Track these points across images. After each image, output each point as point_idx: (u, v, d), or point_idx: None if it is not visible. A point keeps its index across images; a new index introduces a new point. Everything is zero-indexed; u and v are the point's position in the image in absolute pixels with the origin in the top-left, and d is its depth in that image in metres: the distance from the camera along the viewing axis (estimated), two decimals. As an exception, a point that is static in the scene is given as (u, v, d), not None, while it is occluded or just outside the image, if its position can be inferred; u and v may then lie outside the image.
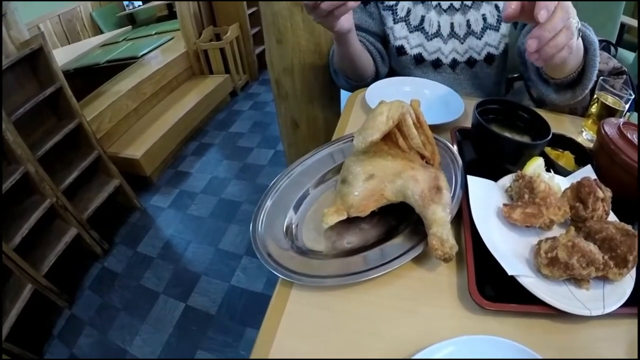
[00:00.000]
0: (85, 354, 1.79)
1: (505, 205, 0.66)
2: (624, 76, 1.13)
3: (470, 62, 1.18)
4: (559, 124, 1.05)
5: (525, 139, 0.82)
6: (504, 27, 1.14)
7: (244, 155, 3.07)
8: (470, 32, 1.14)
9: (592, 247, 0.59)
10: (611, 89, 0.97)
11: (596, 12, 1.78)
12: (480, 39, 1.14)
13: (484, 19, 1.12)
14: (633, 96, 1.02)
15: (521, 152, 0.76)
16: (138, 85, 3.00)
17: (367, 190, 0.64)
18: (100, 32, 4.08)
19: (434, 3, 1.13)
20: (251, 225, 0.69)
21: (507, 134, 0.82)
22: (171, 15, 4.46)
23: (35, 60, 1.90)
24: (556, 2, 0.60)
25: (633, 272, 0.61)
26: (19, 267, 1.71)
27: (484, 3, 1.11)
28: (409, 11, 1.15)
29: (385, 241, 0.64)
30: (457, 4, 1.12)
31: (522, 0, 0.62)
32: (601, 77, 1.02)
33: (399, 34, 1.17)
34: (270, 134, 3.28)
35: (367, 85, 1.13)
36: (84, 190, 2.28)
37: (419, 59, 1.19)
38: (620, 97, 0.97)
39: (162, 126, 2.95)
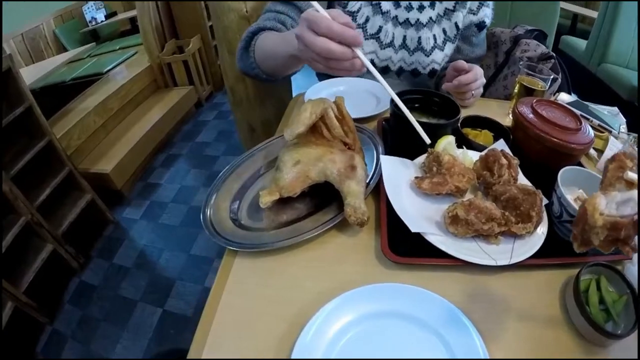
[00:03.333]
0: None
1: (416, 177, 0.78)
2: (552, 60, 1.24)
3: (415, 74, 1.27)
4: (488, 108, 1.16)
5: (441, 122, 0.92)
6: (448, 48, 1.25)
7: (210, 163, 3.12)
8: (419, 48, 1.22)
9: (488, 204, 0.68)
10: (531, 72, 1.08)
11: (535, 3, 1.92)
12: (428, 56, 1.23)
13: (435, 39, 1.21)
14: (555, 77, 1.13)
15: (432, 132, 0.83)
16: (104, 101, 3.02)
17: (294, 173, 0.75)
18: (64, 49, 4.06)
19: (392, 15, 1.19)
20: (202, 209, 0.80)
21: (425, 119, 0.93)
22: (134, 29, 4.43)
23: (4, 81, 1.93)
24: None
25: (544, 228, 0.70)
26: (-1, 285, 1.72)
27: (435, 25, 1.20)
28: (367, 19, 1.19)
29: (315, 215, 0.75)
30: (412, 20, 1.19)
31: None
32: (521, 63, 1.13)
33: None
34: (235, 141, 3.33)
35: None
36: (57, 206, 2.29)
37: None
38: (544, 79, 1.07)
39: (130, 140, 2.98)
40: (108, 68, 3.49)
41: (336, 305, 0.59)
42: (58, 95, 3.16)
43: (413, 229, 0.66)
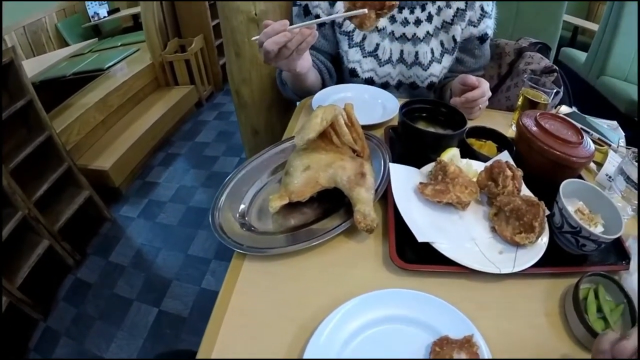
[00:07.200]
0: (62, 364, 1.79)
1: (420, 183, 0.79)
2: (555, 74, 1.25)
3: (413, 87, 1.29)
4: (491, 119, 1.17)
5: (448, 132, 0.93)
6: (446, 60, 1.26)
7: (210, 164, 3.12)
8: (417, 62, 1.23)
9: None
10: (535, 85, 1.09)
11: (539, 15, 1.92)
12: (426, 70, 1.24)
13: (432, 52, 1.22)
14: (557, 90, 1.14)
15: (439, 142, 0.87)
16: (105, 98, 3.00)
17: (304, 178, 0.76)
18: (65, 43, 4.04)
19: (388, 31, 1.21)
20: (210, 212, 0.81)
21: (432, 129, 0.94)
22: (136, 26, 4.44)
23: (5, 73, 1.91)
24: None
25: (546, 238, 0.73)
26: (-7, 280, 1.69)
27: (432, 38, 1.21)
28: (364, 37, 1.21)
29: (322, 220, 0.76)
30: (409, 35, 1.20)
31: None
32: (526, 76, 1.14)
33: (353, 57, 1.24)
34: (235, 142, 3.34)
35: None
36: (54, 202, 2.27)
37: (369, 82, 1.28)
38: (547, 93, 1.08)
39: (130, 137, 2.97)
40: (109, 64, 3.47)
41: (349, 308, 0.60)
42: (58, 89, 3.13)
43: (420, 239, 0.68)
